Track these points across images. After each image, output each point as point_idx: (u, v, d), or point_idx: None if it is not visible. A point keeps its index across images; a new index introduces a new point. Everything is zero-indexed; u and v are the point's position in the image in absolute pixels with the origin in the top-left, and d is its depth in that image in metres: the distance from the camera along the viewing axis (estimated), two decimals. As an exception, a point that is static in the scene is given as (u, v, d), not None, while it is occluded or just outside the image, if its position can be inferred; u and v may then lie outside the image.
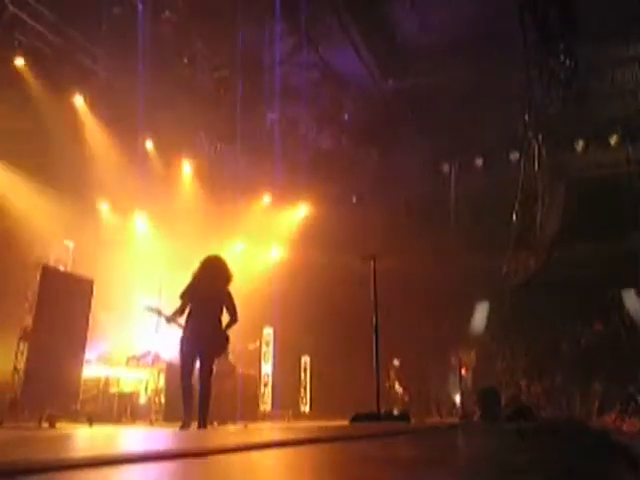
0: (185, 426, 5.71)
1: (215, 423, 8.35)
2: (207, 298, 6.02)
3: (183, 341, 5.96)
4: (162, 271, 10.58)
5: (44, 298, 8.63)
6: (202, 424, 5.75)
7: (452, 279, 15.08)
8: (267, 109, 14.10)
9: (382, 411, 6.59)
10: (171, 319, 6.03)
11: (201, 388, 5.86)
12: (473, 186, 16.02)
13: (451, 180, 16.62)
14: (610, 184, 14.33)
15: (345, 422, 6.91)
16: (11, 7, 9.32)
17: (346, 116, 15.08)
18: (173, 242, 12.40)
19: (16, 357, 8.34)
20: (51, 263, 9.63)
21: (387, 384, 13.28)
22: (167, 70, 11.64)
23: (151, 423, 8.97)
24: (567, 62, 11.74)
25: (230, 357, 10.48)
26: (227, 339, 6.17)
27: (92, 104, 11.19)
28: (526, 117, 13.29)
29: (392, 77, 13.85)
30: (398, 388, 13.36)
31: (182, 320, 6.05)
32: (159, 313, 6.19)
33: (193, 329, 5.93)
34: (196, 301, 6.01)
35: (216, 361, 6.20)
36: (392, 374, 13.46)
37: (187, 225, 13.08)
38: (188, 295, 6.07)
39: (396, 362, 13.59)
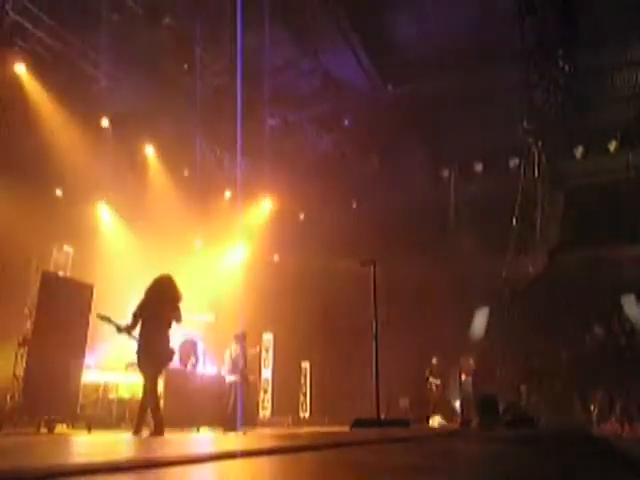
0: (137, 432, 6.01)
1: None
2: (156, 317, 6.30)
3: (138, 354, 6.23)
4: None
5: (44, 303, 8.62)
6: (159, 431, 6.05)
7: (452, 285, 15.07)
8: (267, 115, 14.11)
9: (382, 417, 6.57)
10: (123, 330, 6.25)
11: (149, 399, 6.15)
12: (473, 192, 16.02)
13: (451, 185, 16.63)
14: (609, 190, 14.34)
15: (345, 428, 6.89)
16: (12, 13, 9.34)
17: (346, 122, 15.09)
18: (174, 248, 12.38)
19: (16, 362, 8.32)
20: (51, 268, 9.61)
21: (427, 381, 13.55)
22: (167, 76, 11.64)
23: (150, 429, 8.91)
24: (566, 68, 11.75)
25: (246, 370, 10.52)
26: (173, 353, 6.49)
27: (93, 110, 11.19)
28: (525, 123, 13.30)
29: (392, 83, 13.86)
30: (435, 381, 13.57)
31: (136, 333, 6.31)
32: (109, 321, 6.26)
33: (146, 344, 6.21)
34: (146, 319, 6.28)
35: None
36: (427, 372, 13.63)
37: (187, 231, 13.06)
38: (139, 313, 6.30)
39: (434, 360, 13.77)
